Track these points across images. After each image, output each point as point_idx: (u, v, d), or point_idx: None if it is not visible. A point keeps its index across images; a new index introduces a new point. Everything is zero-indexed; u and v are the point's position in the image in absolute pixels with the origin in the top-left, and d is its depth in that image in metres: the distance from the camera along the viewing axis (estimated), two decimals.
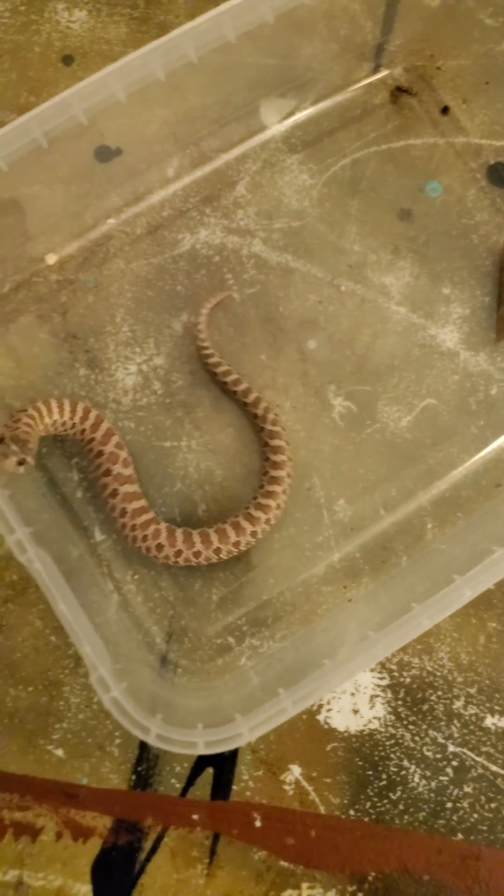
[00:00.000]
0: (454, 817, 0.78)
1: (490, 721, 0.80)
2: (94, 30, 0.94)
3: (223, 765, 0.79)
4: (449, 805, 0.78)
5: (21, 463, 0.69)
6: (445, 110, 0.92)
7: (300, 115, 0.92)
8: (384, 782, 0.79)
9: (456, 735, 0.80)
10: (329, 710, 0.80)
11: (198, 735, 0.64)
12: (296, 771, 0.79)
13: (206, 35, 0.76)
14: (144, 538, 0.77)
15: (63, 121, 0.75)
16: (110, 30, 0.94)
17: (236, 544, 0.78)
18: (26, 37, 0.93)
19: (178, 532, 0.78)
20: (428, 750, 0.79)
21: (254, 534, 0.79)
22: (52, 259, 0.88)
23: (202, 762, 0.79)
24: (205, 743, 0.63)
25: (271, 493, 0.80)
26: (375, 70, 0.93)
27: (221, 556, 0.78)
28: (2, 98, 0.92)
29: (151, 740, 0.63)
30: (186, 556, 0.77)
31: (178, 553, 0.77)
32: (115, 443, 0.80)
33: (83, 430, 0.80)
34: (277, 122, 0.92)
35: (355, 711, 0.80)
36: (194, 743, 0.63)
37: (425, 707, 0.80)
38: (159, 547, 0.77)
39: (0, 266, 0.87)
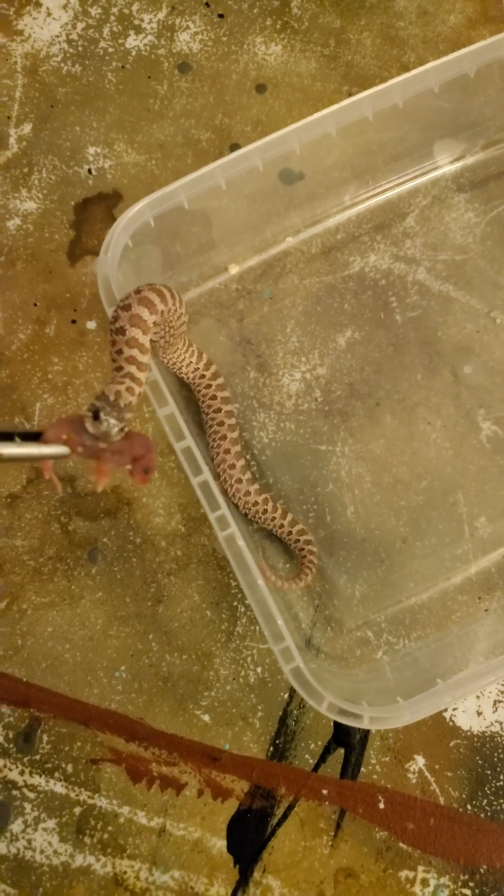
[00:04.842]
0: None
1: None
2: (287, 63, 1.03)
3: (354, 747, 0.85)
4: None
5: (121, 430, 0.64)
6: None
7: (470, 158, 0.99)
8: (501, 783, 0.85)
9: None
10: (455, 710, 0.86)
11: (364, 710, 0.70)
12: (420, 762, 0.85)
13: (415, 85, 0.83)
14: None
15: (278, 150, 0.83)
16: (301, 64, 1.03)
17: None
18: (226, 65, 1.02)
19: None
20: None
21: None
22: (234, 269, 0.97)
23: (335, 743, 0.86)
24: (370, 718, 0.70)
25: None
26: None
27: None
28: (199, 118, 1.01)
29: (323, 709, 0.70)
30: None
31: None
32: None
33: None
34: (449, 162, 0.99)
35: (479, 713, 0.86)
36: (361, 716, 0.70)
37: None
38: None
39: (188, 271, 0.96)
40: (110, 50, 1.02)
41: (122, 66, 1.02)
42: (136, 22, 1.03)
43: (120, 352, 0.70)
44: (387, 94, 0.83)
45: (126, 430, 0.64)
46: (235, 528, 0.71)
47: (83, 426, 0.62)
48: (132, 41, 1.02)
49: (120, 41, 1.02)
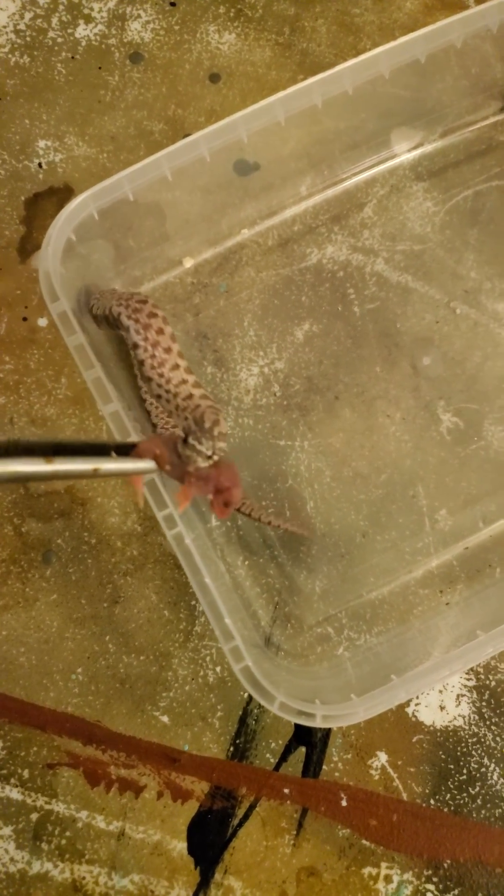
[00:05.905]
0: None
1: None
2: (241, 52, 1.01)
3: (315, 745, 0.84)
4: None
5: (209, 458, 0.64)
6: None
7: (428, 146, 0.98)
8: (464, 777, 0.84)
9: None
10: (417, 704, 0.86)
11: (317, 709, 0.69)
12: (382, 758, 0.84)
13: (365, 71, 0.82)
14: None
15: (225, 139, 0.82)
16: (256, 53, 1.01)
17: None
18: (178, 54, 1.00)
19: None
20: None
21: None
22: (188, 263, 0.95)
23: (296, 741, 0.85)
24: (322, 716, 0.69)
25: None
26: (503, 109, 0.99)
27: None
28: (152, 109, 0.99)
29: (275, 709, 0.69)
30: None
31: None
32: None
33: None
34: (406, 150, 0.98)
35: (442, 708, 0.86)
36: (313, 715, 0.69)
37: None
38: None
39: (141, 265, 0.94)
40: (59, 40, 1.00)
41: (72, 57, 1.00)
42: (86, 11, 1.01)
43: (176, 367, 0.71)
44: (337, 80, 0.81)
45: (215, 458, 0.64)
46: (182, 526, 0.69)
47: (175, 445, 0.63)
48: (82, 31, 1.00)
49: (69, 31, 1.00)
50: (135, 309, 0.75)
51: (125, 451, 0.60)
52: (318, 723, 0.69)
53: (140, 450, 0.61)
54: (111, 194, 0.78)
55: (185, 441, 0.63)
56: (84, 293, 0.88)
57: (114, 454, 0.57)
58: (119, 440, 0.62)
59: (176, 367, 0.74)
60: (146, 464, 0.61)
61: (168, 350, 0.74)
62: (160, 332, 0.74)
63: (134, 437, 0.65)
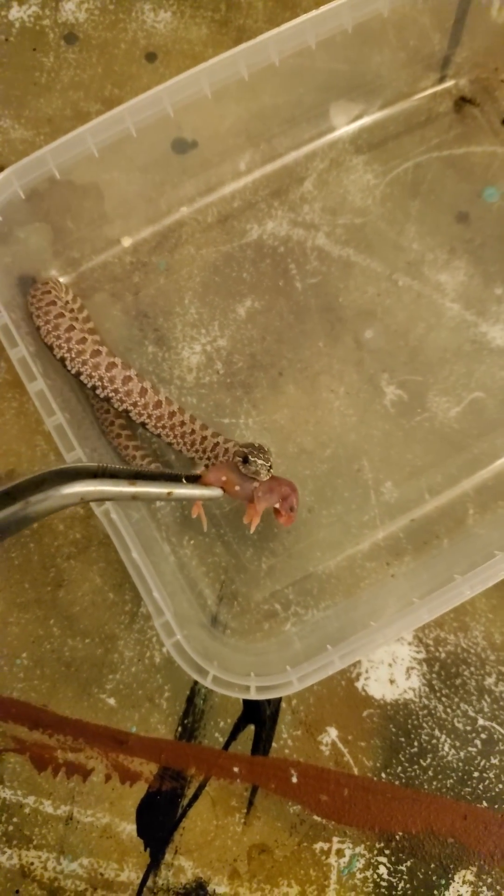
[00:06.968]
0: (480, 786, 0.82)
1: None
2: (177, 30, 1.00)
3: (265, 723, 0.84)
4: (476, 774, 0.82)
5: (269, 470, 0.74)
6: None
7: (368, 119, 0.97)
8: (415, 749, 0.83)
9: (486, 710, 0.84)
10: (367, 679, 0.85)
11: (251, 681, 0.69)
12: (332, 733, 0.84)
13: (290, 40, 0.81)
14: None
15: (152, 113, 0.81)
16: (192, 31, 1.00)
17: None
18: (114, 34, 0.99)
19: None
20: (458, 722, 0.84)
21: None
22: (127, 242, 0.94)
23: (245, 719, 0.84)
24: (257, 688, 0.68)
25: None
26: (441, 80, 0.98)
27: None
28: (88, 90, 0.98)
29: (208, 683, 0.68)
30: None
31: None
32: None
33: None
34: (346, 123, 0.97)
35: (392, 681, 0.85)
36: (247, 687, 0.68)
37: (458, 681, 0.85)
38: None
39: (79, 245, 0.93)
40: None
41: (6, 39, 0.99)
42: None
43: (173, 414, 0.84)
44: (261, 50, 0.81)
45: (272, 471, 0.74)
46: (110, 504, 0.68)
47: (236, 468, 0.72)
48: (15, 13, 0.99)
49: (2, 13, 0.99)
50: (110, 378, 0.81)
51: (194, 479, 0.71)
52: (252, 695, 0.68)
53: (207, 479, 0.71)
54: (35, 171, 0.78)
55: (245, 461, 0.72)
56: (20, 280, 0.87)
57: (184, 481, 0.68)
58: (187, 472, 0.73)
59: (173, 414, 0.83)
60: (212, 491, 0.71)
61: (158, 405, 0.83)
62: (143, 393, 0.82)
63: (198, 470, 0.75)
